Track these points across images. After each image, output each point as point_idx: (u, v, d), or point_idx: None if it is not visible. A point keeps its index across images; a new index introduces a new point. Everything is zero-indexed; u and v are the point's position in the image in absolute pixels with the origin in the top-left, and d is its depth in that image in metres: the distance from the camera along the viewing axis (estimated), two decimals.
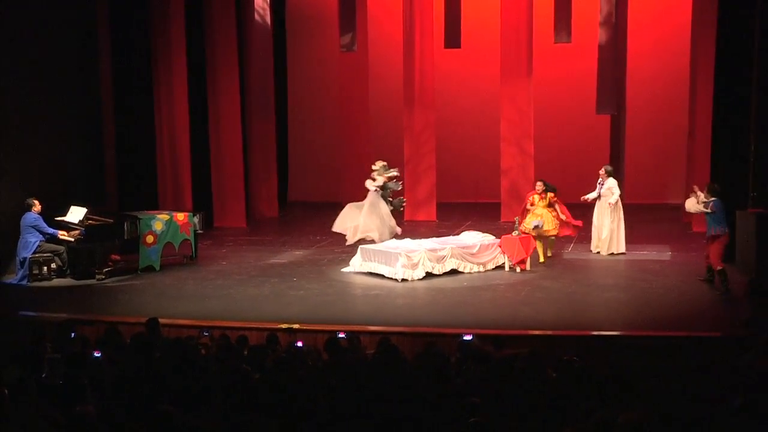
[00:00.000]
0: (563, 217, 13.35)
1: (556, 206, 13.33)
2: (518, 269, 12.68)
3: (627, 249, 13.68)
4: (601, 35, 14.99)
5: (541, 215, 13.15)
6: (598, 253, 13.59)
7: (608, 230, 13.53)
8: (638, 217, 16.68)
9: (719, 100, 13.23)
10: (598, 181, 13.68)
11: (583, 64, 18.58)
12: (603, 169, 13.77)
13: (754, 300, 10.65)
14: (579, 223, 13.57)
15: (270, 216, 18.46)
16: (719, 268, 11.24)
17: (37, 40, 13.73)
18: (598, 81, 15.06)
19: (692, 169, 15.61)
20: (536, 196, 13.36)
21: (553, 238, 13.43)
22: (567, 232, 13.61)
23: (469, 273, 12.60)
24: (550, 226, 13.18)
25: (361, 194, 18.60)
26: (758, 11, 12.27)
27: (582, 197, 13.86)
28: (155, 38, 16.24)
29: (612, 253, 13.51)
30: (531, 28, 16.38)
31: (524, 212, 13.37)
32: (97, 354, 7.33)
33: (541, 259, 13.13)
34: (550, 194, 13.32)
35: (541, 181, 13.58)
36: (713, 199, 11.37)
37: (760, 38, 12.26)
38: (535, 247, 13.01)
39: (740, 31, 12.76)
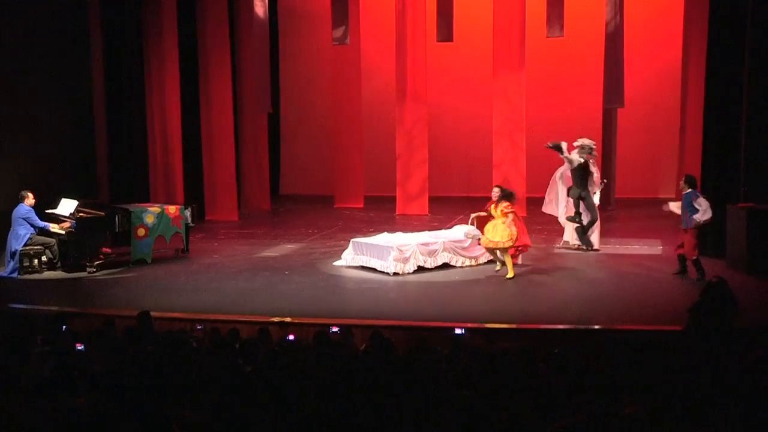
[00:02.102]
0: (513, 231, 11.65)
1: (510, 216, 11.69)
2: None
3: (618, 243, 13.68)
4: (608, 28, 14.96)
5: (494, 226, 11.77)
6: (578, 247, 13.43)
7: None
8: (630, 212, 16.73)
9: (711, 95, 13.24)
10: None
11: (576, 58, 18.63)
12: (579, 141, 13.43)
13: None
14: (526, 242, 12.11)
15: (262, 209, 18.47)
16: (694, 258, 11.32)
17: (28, 32, 13.67)
18: (605, 74, 15.03)
19: (684, 163, 15.66)
20: (493, 205, 11.95)
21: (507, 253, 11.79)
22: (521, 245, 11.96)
23: (461, 267, 12.61)
24: (496, 236, 11.73)
25: (352, 188, 18.68)
26: (749, 6, 12.30)
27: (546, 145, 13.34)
28: (147, 31, 16.20)
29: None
30: (524, 21, 16.38)
31: (482, 219, 12.19)
32: (79, 347, 7.29)
33: (510, 275, 11.75)
34: (503, 203, 11.77)
35: (498, 187, 12.07)
36: (689, 190, 11.40)
37: (751, 33, 12.28)
38: (527, 243, 12.41)
39: (731, 26, 12.77)
